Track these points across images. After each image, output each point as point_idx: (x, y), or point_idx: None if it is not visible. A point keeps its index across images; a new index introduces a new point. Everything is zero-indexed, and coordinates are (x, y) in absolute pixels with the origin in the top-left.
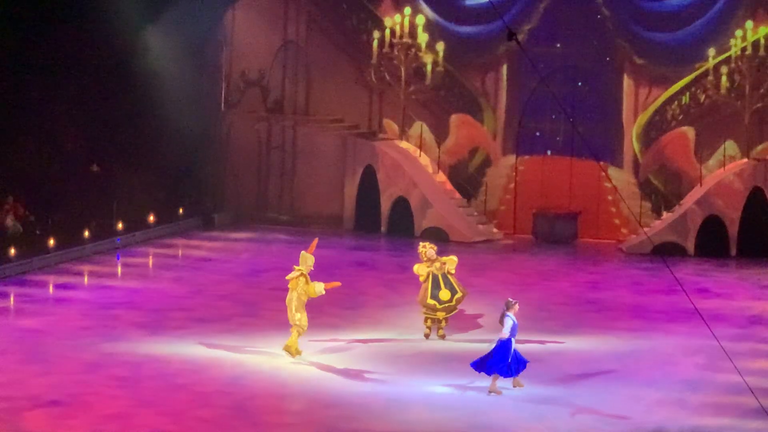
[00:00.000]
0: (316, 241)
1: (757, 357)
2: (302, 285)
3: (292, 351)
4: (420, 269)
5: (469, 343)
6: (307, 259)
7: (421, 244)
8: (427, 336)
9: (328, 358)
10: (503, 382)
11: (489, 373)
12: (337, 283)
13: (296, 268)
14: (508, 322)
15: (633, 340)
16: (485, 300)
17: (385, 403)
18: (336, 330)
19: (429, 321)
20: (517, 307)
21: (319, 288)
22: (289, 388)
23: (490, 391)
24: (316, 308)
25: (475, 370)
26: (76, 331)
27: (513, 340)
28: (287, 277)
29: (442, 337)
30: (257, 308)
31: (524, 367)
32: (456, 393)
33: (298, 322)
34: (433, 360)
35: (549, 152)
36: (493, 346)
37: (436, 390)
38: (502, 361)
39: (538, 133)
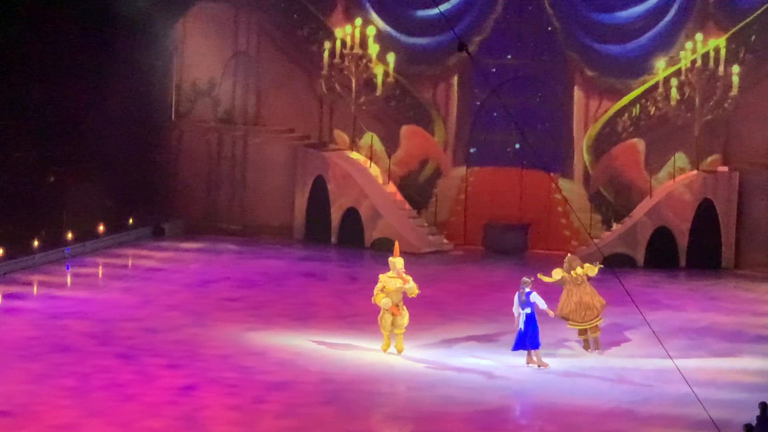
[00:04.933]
0: (397, 243)
1: (707, 368)
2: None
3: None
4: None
5: (423, 353)
6: (395, 263)
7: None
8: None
9: (278, 368)
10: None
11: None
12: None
13: (389, 275)
14: (535, 298)
15: (582, 352)
16: (435, 311)
17: (336, 413)
18: (284, 341)
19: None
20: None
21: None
22: (239, 398)
23: (539, 366)
24: (265, 318)
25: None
26: (25, 341)
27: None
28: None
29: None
30: (207, 318)
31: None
32: (408, 405)
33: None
34: (387, 371)
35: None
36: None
37: (385, 401)
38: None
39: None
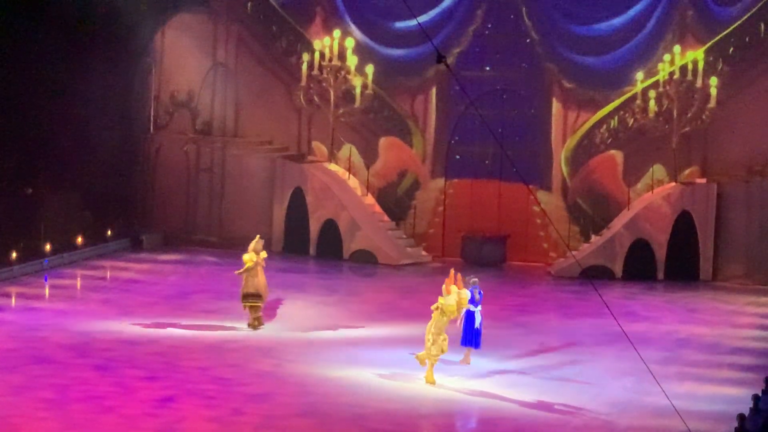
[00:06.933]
0: (453, 272)
1: (684, 380)
2: (438, 315)
3: (428, 380)
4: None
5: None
6: (453, 290)
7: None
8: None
9: (256, 380)
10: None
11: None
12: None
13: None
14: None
15: (561, 364)
16: (413, 323)
17: (314, 425)
18: (262, 353)
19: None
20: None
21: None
22: (217, 410)
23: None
24: (243, 330)
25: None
26: (3, 353)
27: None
28: (432, 307)
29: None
30: (185, 330)
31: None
32: (386, 417)
33: (428, 351)
34: (364, 383)
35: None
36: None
37: (362, 413)
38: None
39: (457, 156)
